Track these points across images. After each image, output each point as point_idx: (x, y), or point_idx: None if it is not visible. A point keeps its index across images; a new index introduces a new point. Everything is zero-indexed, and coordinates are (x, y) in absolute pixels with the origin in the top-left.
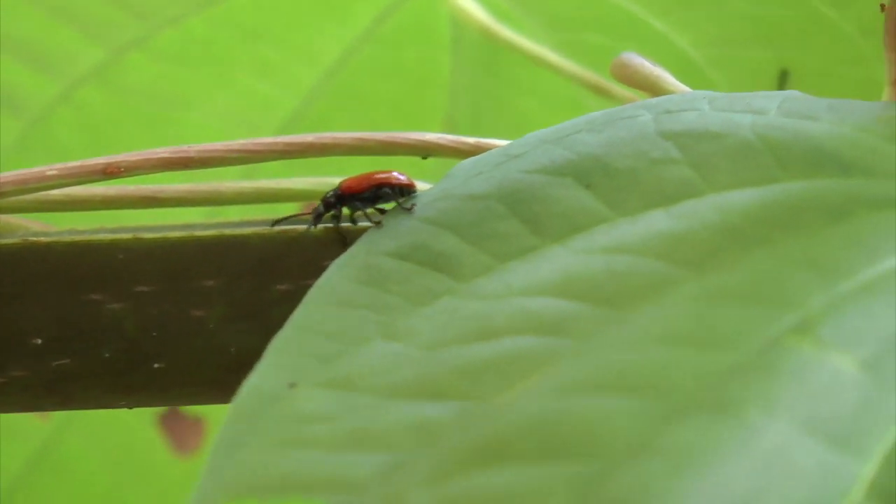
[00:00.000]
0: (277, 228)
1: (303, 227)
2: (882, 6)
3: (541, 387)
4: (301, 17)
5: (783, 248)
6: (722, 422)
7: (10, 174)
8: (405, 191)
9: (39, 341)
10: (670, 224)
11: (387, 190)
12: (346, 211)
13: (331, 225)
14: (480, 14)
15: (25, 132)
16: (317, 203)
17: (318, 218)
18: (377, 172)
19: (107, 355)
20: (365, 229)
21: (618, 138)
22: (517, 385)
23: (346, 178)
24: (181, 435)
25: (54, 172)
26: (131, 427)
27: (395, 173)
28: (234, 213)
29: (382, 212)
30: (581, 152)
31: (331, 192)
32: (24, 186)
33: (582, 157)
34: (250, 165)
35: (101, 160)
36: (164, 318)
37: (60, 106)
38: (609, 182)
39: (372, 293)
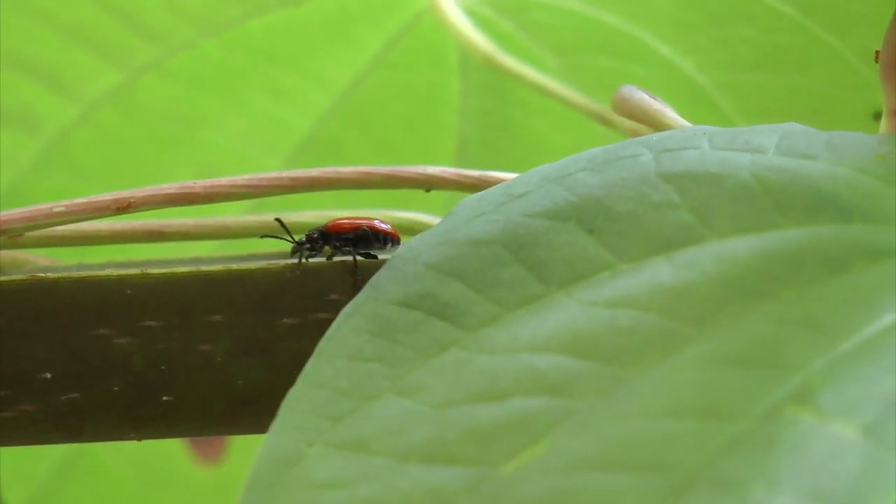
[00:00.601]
0: (283, 263)
1: (311, 261)
2: (876, 53)
3: (548, 459)
4: (313, 43)
5: (783, 304)
6: (727, 500)
7: (18, 211)
8: (386, 238)
9: (49, 375)
10: (672, 275)
11: (368, 235)
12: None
13: (336, 259)
14: (483, 42)
15: (44, 153)
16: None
17: (298, 249)
18: (361, 218)
19: (116, 389)
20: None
21: (619, 179)
22: (525, 453)
23: (335, 218)
24: (205, 445)
25: (62, 209)
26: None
27: (377, 221)
28: (239, 247)
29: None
30: (583, 195)
31: (315, 230)
32: (33, 223)
33: (584, 200)
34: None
35: (110, 196)
36: (172, 352)
37: (78, 127)
38: (611, 227)
39: (381, 345)
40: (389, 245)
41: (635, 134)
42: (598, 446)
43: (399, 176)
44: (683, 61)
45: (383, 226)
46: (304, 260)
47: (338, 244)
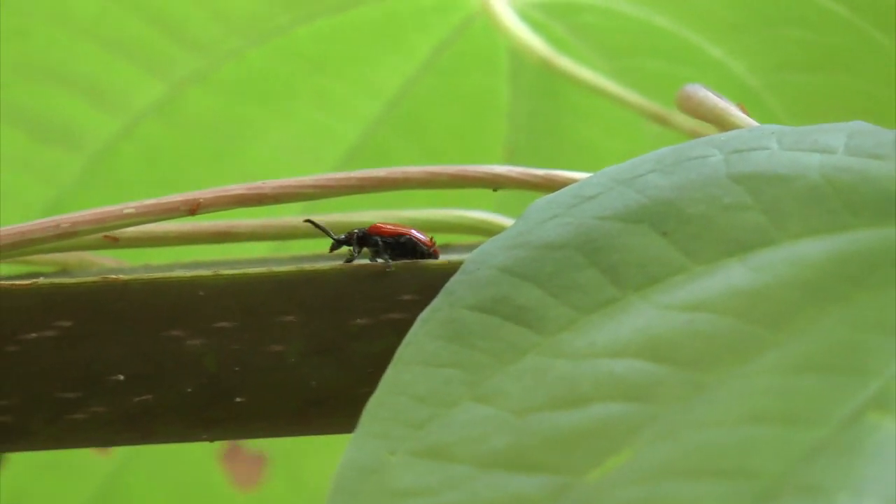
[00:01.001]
0: (355, 263)
1: (381, 262)
2: None
3: (632, 467)
4: (361, 50)
5: (857, 307)
6: None
7: (88, 212)
8: (422, 249)
9: (121, 377)
10: (747, 278)
11: (406, 243)
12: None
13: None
14: (538, 45)
15: (87, 167)
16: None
17: (337, 246)
18: (403, 226)
19: (188, 390)
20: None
21: (689, 181)
22: (607, 461)
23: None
24: (243, 470)
25: (132, 210)
26: (194, 462)
27: (414, 231)
28: (300, 247)
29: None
30: (654, 196)
31: (359, 229)
32: (103, 224)
33: (655, 202)
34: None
35: (179, 197)
36: (245, 353)
37: (122, 141)
38: (684, 229)
39: (458, 350)
40: (426, 259)
41: (694, 134)
42: (681, 453)
43: (466, 175)
44: (734, 63)
45: (421, 236)
46: (353, 259)
47: (377, 248)
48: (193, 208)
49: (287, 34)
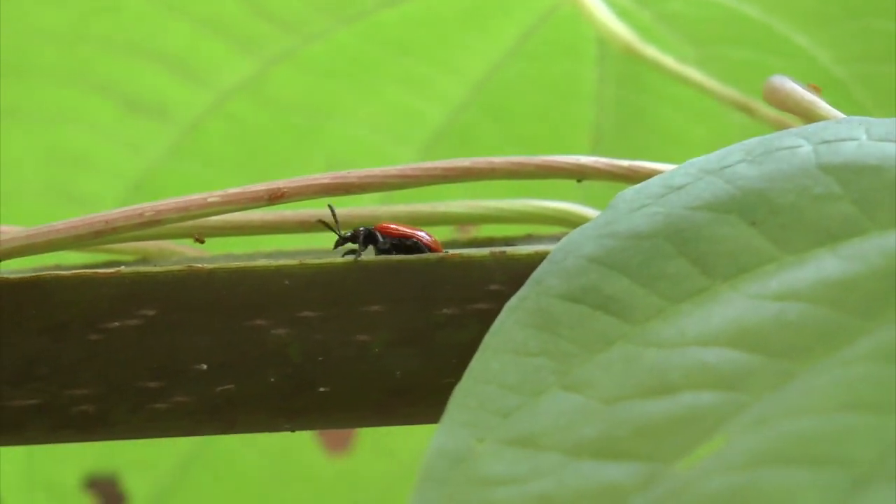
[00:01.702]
0: (441, 254)
1: (467, 251)
2: None
3: (724, 455)
4: (448, 33)
5: None
6: None
7: (171, 201)
8: (426, 251)
9: (204, 367)
10: (838, 267)
11: (412, 246)
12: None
13: (493, 249)
14: (624, 32)
15: (177, 142)
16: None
17: (342, 242)
18: (411, 227)
19: (272, 380)
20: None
21: (779, 172)
22: (699, 449)
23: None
24: (333, 436)
25: (216, 199)
26: None
27: (421, 232)
28: None
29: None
30: (743, 187)
31: (364, 228)
32: (186, 213)
33: (745, 193)
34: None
35: (263, 186)
36: (329, 342)
37: (210, 117)
38: (774, 219)
39: (546, 339)
40: None
41: (779, 125)
42: (774, 442)
43: (551, 165)
44: (821, 53)
45: (427, 238)
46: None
47: (383, 248)
48: (276, 197)
49: (374, 15)
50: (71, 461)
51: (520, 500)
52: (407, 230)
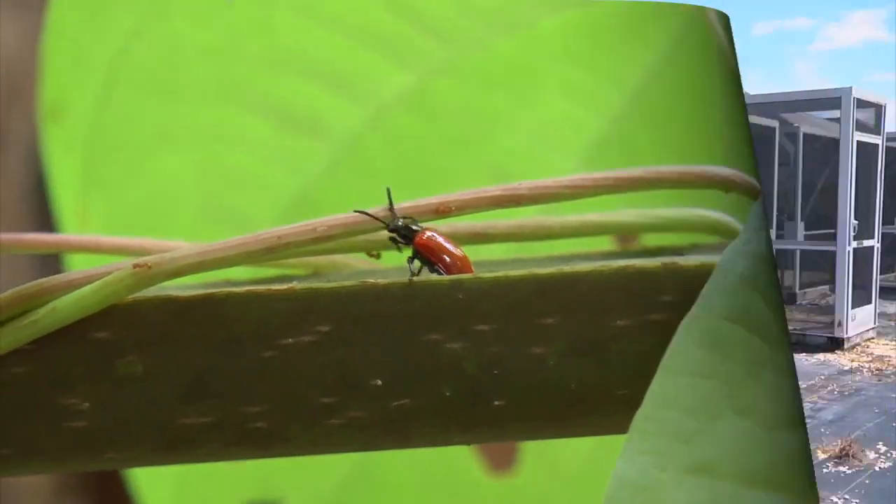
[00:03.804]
0: (616, 265)
1: (640, 261)
2: None
3: None
4: (604, 41)
5: None
6: None
7: (342, 216)
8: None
9: (379, 382)
10: None
11: (437, 270)
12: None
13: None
14: None
15: (335, 157)
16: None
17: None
18: (450, 253)
19: (447, 394)
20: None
21: None
22: None
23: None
24: (498, 454)
25: (385, 214)
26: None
27: (449, 258)
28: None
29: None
30: None
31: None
32: (357, 228)
33: None
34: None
35: (433, 200)
36: (504, 355)
37: (368, 130)
38: None
39: (716, 360)
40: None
41: None
42: None
43: (710, 176)
44: None
45: (447, 266)
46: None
47: (419, 259)
48: (447, 210)
49: (535, 27)
50: (228, 488)
51: None
52: (445, 257)
